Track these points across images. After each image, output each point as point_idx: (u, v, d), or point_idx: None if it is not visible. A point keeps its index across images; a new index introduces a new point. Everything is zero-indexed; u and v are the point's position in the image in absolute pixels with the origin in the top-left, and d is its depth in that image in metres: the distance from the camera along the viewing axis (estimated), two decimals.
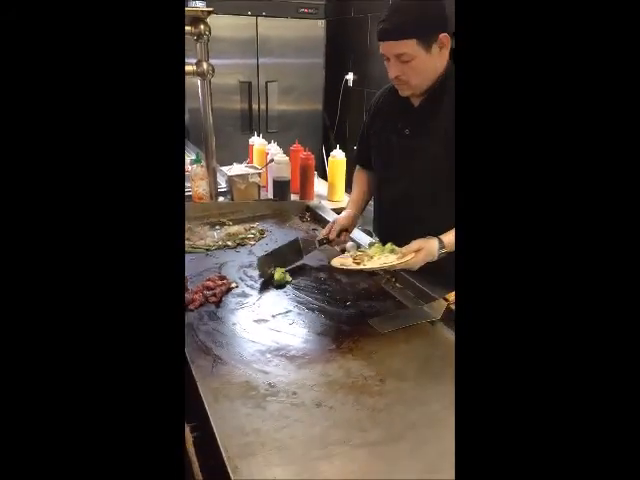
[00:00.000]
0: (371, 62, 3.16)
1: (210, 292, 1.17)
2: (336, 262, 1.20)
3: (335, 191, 2.18)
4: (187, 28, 1.63)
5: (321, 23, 3.16)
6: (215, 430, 0.71)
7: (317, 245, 1.39)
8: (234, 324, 1.07)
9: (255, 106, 3.17)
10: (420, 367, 0.93)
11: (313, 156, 2.08)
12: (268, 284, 1.26)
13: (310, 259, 1.38)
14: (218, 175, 1.93)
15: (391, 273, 1.28)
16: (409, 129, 1.28)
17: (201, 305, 1.13)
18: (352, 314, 1.13)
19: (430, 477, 0.69)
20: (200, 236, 1.54)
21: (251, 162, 2.24)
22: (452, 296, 1.08)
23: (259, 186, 1.94)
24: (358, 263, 1.17)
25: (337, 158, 2.14)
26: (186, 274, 1.27)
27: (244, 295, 1.20)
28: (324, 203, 1.99)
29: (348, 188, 2.06)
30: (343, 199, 2.16)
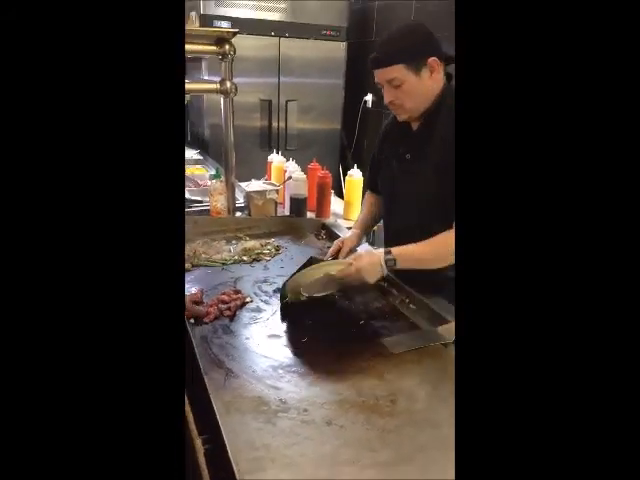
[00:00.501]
0: None
1: (225, 306, 1.18)
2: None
3: (351, 210, 2.20)
4: (212, 48, 1.68)
5: (342, 45, 3.22)
6: (227, 443, 0.71)
7: None
8: (247, 338, 1.08)
9: (275, 124, 3.22)
10: (432, 390, 0.92)
11: (330, 175, 2.11)
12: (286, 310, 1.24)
13: None
14: (236, 190, 1.96)
15: (405, 294, 1.29)
16: (410, 154, 1.32)
17: (216, 318, 1.14)
18: (365, 333, 1.13)
19: None
20: (217, 250, 1.56)
21: (269, 179, 2.28)
22: None
23: (276, 202, 1.97)
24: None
25: (354, 177, 2.16)
26: (202, 287, 1.29)
27: (258, 310, 1.22)
28: (340, 222, 2.00)
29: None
30: None
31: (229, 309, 1.17)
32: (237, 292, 1.26)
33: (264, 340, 1.08)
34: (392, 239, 1.42)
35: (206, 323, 1.13)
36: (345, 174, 2.30)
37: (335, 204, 2.27)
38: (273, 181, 2.20)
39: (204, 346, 1.03)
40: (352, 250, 1.44)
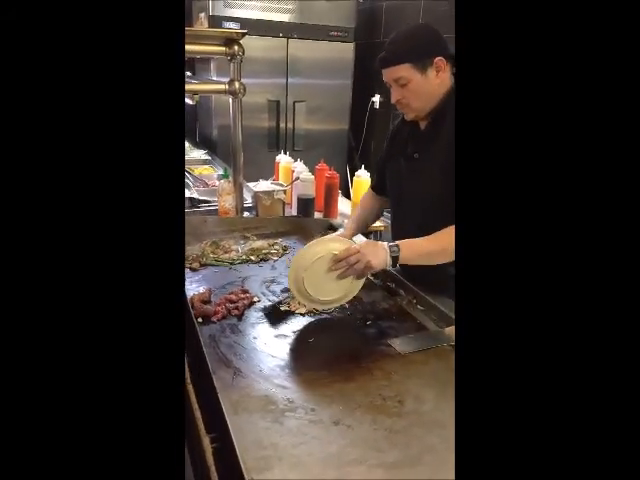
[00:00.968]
0: None
1: (233, 305, 1.18)
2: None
3: None
4: (221, 48, 1.69)
5: (350, 46, 3.22)
6: (234, 442, 0.72)
7: None
8: (255, 338, 1.08)
9: (282, 125, 3.22)
10: (440, 391, 0.92)
11: (338, 175, 2.11)
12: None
13: None
14: (244, 191, 1.97)
15: (413, 294, 1.28)
16: (418, 153, 1.33)
17: (223, 317, 1.15)
18: (372, 334, 1.13)
19: None
20: (225, 249, 1.57)
21: (277, 179, 2.28)
22: None
23: (284, 203, 1.97)
24: None
25: (362, 178, 2.16)
26: (210, 286, 1.30)
27: (265, 310, 1.22)
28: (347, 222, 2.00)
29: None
30: None
31: (237, 308, 1.18)
32: (245, 291, 1.26)
33: (271, 340, 1.08)
34: (400, 237, 1.42)
35: (214, 322, 1.13)
36: (352, 175, 2.30)
37: (342, 205, 2.27)
38: (281, 181, 2.20)
39: (212, 345, 1.03)
40: None
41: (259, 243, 1.62)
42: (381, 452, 0.76)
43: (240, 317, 1.17)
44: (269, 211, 1.93)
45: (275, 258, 1.55)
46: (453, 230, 1.18)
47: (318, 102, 3.28)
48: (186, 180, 2.28)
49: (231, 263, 1.49)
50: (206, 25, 2.85)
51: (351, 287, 1.21)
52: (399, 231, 1.45)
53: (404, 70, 1.21)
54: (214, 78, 2.94)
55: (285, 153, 2.44)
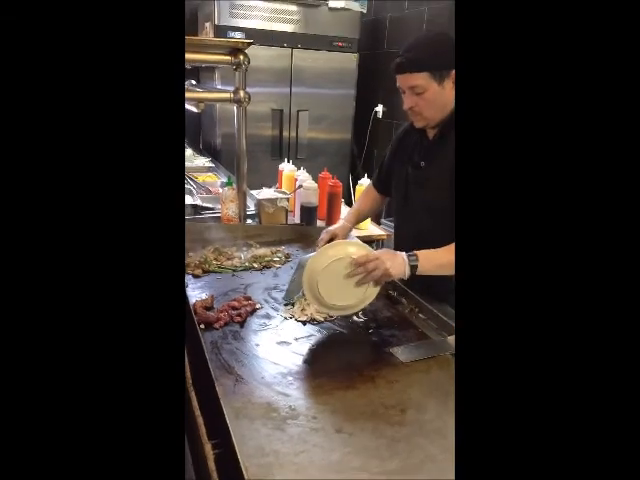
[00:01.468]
0: (400, 95, 3.21)
1: (235, 312, 1.19)
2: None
3: None
4: (227, 58, 1.71)
5: (354, 56, 3.25)
6: (236, 449, 0.72)
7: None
8: (257, 345, 1.09)
9: (286, 133, 3.25)
10: (442, 400, 0.92)
11: (341, 184, 2.12)
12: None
13: None
14: (248, 198, 1.98)
15: (415, 303, 1.29)
16: (424, 161, 1.33)
17: (226, 324, 1.15)
18: (374, 342, 1.13)
19: None
20: (227, 256, 1.57)
21: (280, 187, 2.29)
22: None
23: (287, 211, 1.98)
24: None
25: (364, 187, 2.17)
26: (212, 293, 1.30)
27: (268, 317, 1.22)
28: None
29: (374, 216, 2.08)
30: (368, 227, 2.19)
31: (239, 315, 1.18)
32: (247, 298, 1.27)
33: (273, 347, 1.08)
34: (403, 244, 1.42)
35: (216, 329, 1.13)
36: (355, 183, 2.31)
37: (345, 213, 2.27)
38: (284, 189, 2.21)
39: (214, 352, 1.04)
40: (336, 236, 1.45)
41: (262, 250, 1.63)
42: (382, 460, 0.76)
43: (242, 324, 1.17)
44: (272, 219, 1.94)
45: (278, 266, 1.55)
46: None
47: (321, 111, 3.31)
48: (190, 187, 2.29)
49: (234, 270, 1.50)
50: (212, 34, 2.88)
51: (366, 294, 1.18)
52: (403, 236, 1.45)
53: (422, 79, 1.20)
54: (218, 86, 2.97)
55: (288, 161, 2.45)
